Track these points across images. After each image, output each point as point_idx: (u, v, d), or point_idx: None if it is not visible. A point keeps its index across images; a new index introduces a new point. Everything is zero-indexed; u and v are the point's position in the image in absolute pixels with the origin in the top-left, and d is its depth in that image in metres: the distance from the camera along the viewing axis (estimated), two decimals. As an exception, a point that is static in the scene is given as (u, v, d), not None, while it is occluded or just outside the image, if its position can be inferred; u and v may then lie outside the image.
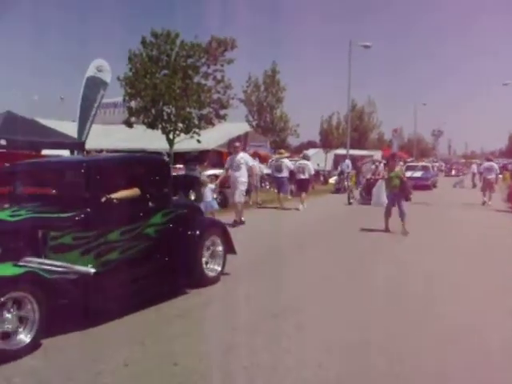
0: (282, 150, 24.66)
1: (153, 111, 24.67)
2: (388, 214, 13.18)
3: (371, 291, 7.39)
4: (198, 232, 7.44)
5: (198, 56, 24.48)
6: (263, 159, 29.66)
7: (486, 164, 23.42)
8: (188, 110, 24.68)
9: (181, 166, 21.78)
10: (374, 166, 26.25)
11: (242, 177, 14.40)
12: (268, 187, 26.64)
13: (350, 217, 17.82)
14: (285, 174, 19.27)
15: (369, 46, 34.64)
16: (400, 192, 12.93)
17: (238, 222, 14.19)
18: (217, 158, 31.99)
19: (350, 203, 21.18)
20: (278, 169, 19.44)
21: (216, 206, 14.50)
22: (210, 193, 14.27)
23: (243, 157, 14.74)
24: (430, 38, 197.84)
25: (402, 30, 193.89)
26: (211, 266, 7.67)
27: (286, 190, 19.60)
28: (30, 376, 4.59)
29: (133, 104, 25.47)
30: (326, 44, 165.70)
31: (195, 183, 17.98)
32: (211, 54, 24.44)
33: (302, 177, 19.38)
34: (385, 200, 13.19)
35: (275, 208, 18.70)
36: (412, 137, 79.58)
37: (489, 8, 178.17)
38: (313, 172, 20.61)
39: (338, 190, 24.93)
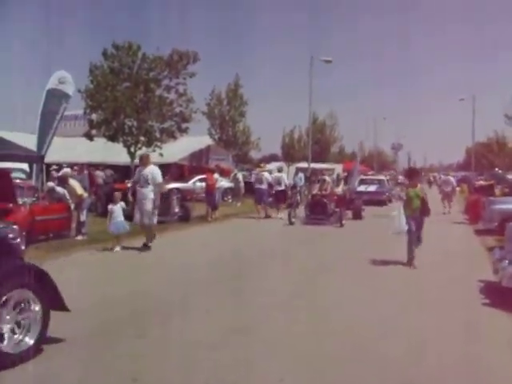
0: (263, 165, 26.53)
1: (114, 124, 24.45)
2: (413, 241, 10.54)
3: None
4: None
5: (159, 69, 24.40)
6: (225, 173, 29.61)
7: (444, 178, 27.77)
8: (150, 123, 24.57)
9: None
10: (322, 180, 21.26)
11: (150, 194, 12.26)
12: (231, 200, 26.61)
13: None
14: (264, 185, 20.53)
15: (330, 61, 35.01)
16: (421, 215, 10.77)
17: (146, 247, 12.46)
18: (179, 171, 31.78)
19: (291, 223, 18.05)
20: (259, 181, 20.74)
21: (127, 226, 12.52)
22: (120, 211, 12.31)
23: (152, 172, 12.48)
24: (389, 53, 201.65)
25: (362, 45, 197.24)
26: (17, 338, 5.11)
27: (266, 201, 20.46)
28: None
29: (94, 117, 25.18)
30: (288, 58, 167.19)
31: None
32: (173, 66, 24.39)
33: (279, 188, 20.91)
34: (405, 226, 10.80)
35: (252, 218, 19.61)
36: (372, 150, 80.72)
37: (446, 25, 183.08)
38: (287, 182, 22.36)
39: (290, 204, 20.41)
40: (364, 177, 35.41)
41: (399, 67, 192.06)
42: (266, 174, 21.42)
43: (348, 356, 5.42)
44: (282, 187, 20.93)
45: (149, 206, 12.24)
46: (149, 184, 12.24)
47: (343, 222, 18.01)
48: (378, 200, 28.06)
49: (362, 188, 29.19)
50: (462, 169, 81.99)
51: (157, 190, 12.35)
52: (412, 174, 11.92)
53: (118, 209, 12.30)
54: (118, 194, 12.61)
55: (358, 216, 20.52)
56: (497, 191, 22.59)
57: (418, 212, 10.64)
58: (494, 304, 7.08)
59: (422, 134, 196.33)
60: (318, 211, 18.46)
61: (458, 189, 34.24)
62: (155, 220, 12.61)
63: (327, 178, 21.15)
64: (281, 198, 20.98)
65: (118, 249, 12.14)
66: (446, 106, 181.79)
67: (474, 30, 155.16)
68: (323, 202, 18.62)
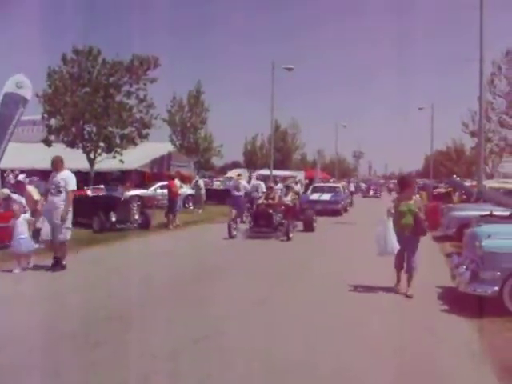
0: (240, 173, 28.67)
1: (73, 130, 24.06)
2: (399, 264, 8.89)
3: None
4: None
5: (119, 74, 24.15)
6: (186, 179, 29.45)
7: None
8: (109, 129, 24.28)
9: (101, 186, 21.23)
10: (269, 188, 19.79)
11: (62, 204, 10.49)
12: (192, 207, 26.45)
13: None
14: (241, 192, 20.78)
15: (292, 69, 35.15)
16: (413, 235, 8.70)
17: (58, 265, 10.58)
18: (139, 178, 31.47)
19: (231, 236, 15.84)
20: (237, 188, 20.92)
21: (34, 244, 10.64)
22: (25, 226, 10.55)
23: (65, 177, 10.78)
24: (349, 60, 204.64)
25: (323, 53, 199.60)
26: None
27: (243, 209, 19.96)
28: None
29: (52, 122, 24.73)
30: (250, 65, 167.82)
31: (117, 204, 17.56)
32: (133, 72, 24.18)
33: (256, 195, 21.43)
34: (395, 246, 8.67)
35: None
36: (333, 158, 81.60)
37: (407, 36, 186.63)
38: (265, 190, 22.18)
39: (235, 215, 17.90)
40: (317, 184, 34.33)
41: (360, 75, 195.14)
42: (243, 182, 22.26)
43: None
44: (260, 194, 21.07)
45: (59, 217, 10.44)
46: (61, 192, 10.53)
47: (291, 235, 15.97)
48: (332, 209, 26.14)
49: (314, 197, 27.30)
50: (421, 176, 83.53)
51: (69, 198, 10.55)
52: (403, 183, 9.55)
53: (21, 223, 10.54)
54: (17, 207, 10.98)
55: (309, 228, 18.46)
56: (455, 198, 23.04)
57: (409, 231, 8.62)
58: (452, 309, 7.17)
59: (382, 142, 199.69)
60: (263, 223, 16.52)
61: (417, 196, 34.94)
62: (69, 234, 10.80)
63: (276, 186, 20.53)
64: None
65: (17, 271, 10.09)
66: (406, 115, 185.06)
67: (434, 42, 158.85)
68: (268, 212, 16.68)
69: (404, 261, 8.77)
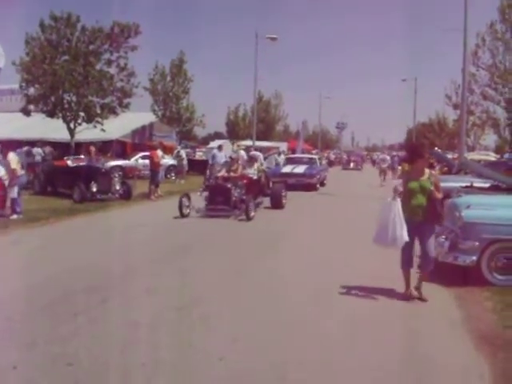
0: (240, 144, 30.33)
1: (52, 99, 23.65)
2: (408, 261, 6.84)
3: None
4: None
5: (99, 42, 23.68)
6: (168, 150, 29.24)
7: (381, 156, 33.56)
8: (90, 98, 23.90)
9: (82, 156, 21.00)
10: (231, 159, 17.82)
11: None
12: (174, 178, 26.34)
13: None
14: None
15: (275, 39, 34.81)
16: (427, 221, 6.69)
17: None
18: (121, 148, 31.15)
19: (183, 215, 13.79)
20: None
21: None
22: None
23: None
24: (333, 31, 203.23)
25: (307, 23, 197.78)
26: None
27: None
28: None
29: (31, 91, 24.27)
30: (234, 35, 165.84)
31: (97, 174, 17.39)
32: (114, 39, 23.72)
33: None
34: (403, 237, 6.54)
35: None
36: (317, 129, 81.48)
37: (390, 5, 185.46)
38: (263, 161, 24.09)
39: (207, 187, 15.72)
40: (291, 156, 32.20)
41: (344, 46, 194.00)
42: (242, 152, 23.55)
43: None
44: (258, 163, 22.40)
45: None
46: None
47: (252, 213, 13.79)
48: (306, 183, 23.67)
49: (287, 169, 24.81)
50: (403, 148, 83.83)
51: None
52: (414, 152, 6.96)
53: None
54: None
55: (277, 204, 16.22)
56: (436, 170, 23.19)
57: (420, 215, 6.66)
58: (431, 278, 7.21)
59: (365, 114, 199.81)
60: (220, 199, 14.28)
61: (399, 168, 35.31)
62: None
63: (239, 155, 19.85)
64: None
65: None
66: (389, 87, 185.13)
67: (417, 11, 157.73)
68: (226, 187, 14.43)
69: (412, 257, 6.85)
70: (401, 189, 6.76)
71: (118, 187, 17.46)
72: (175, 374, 4.48)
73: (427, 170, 6.88)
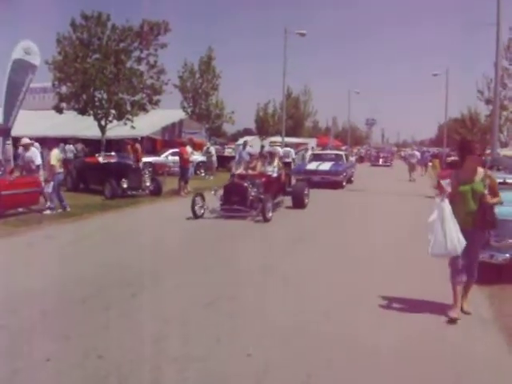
0: (275, 140, 32.43)
1: (84, 97, 23.97)
2: (459, 272, 5.95)
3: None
4: None
5: (130, 40, 23.89)
6: (198, 146, 29.39)
7: (410, 152, 34.09)
8: (120, 95, 24.14)
9: (113, 153, 21.25)
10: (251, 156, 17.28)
11: None
12: (203, 174, 26.47)
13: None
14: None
15: (304, 34, 34.68)
16: (476, 228, 5.93)
17: None
18: (151, 145, 31.42)
19: (196, 215, 12.95)
20: None
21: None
22: None
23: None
24: (365, 26, 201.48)
25: (338, 18, 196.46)
26: None
27: None
28: None
29: (63, 89, 24.64)
30: (263, 31, 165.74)
31: (128, 171, 17.59)
32: (144, 37, 23.90)
33: (287, 160, 25.00)
34: (461, 241, 5.73)
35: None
36: (346, 125, 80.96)
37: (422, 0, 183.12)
38: (294, 156, 26.99)
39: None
40: (318, 151, 31.28)
41: (374, 41, 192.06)
42: (278, 148, 26.25)
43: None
44: (290, 160, 25.55)
45: None
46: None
47: (269, 214, 12.86)
48: (332, 181, 22.63)
49: (312, 166, 23.85)
50: (434, 145, 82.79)
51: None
52: (463, 148, 6.19)
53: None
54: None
55: (298, 204, 15.35)
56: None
57: (471, 223, 5.86)
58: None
59: (395, 109, 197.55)
60: (235, 199, 13.32)
61: (430, 164, 34.93)
62: None
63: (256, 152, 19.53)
64: (288, 167, 22.94)
65: None
66: (420, 82, 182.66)
67: (449, 5, 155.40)
68: (241, 185, 13.53)
69: (460, 267, 5.94)
70: (449, 189, 5.88)
71: (148, 183, 17.64)
72: (205, 368, 4.51)
73: (481, 170, 5.99)
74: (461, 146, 6.31)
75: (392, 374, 4.47)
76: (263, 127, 49.77)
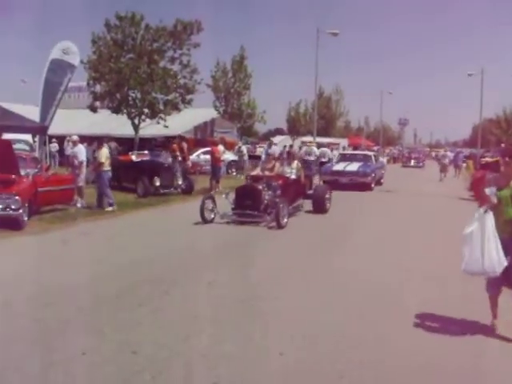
0: (312, 140, 32.41)
1: (118, 96, 24.29)
2: (496, 282, 5.39)
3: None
4: None
5: (163, 40, 24.11)
6: (229, 145, 29.50)
7: (442, 153, 34.49)
8: (153, 94, 24.39)
9: (146, 151, 21.50)
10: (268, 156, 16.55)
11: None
12: (235, 173, 26.57)
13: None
14: (313, 157, 24.91)
15: (336, 34, 34.50)
16: None
17: None
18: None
19: (205, 220, 11.93)
20: (309, 153, 25.18)
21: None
22: None
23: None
24: (397, 26, 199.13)
25: (370, 19, 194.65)
26: None
27: (314, 172, 21.83)
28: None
29: (97, 88, 25.02)
30: (295, 30, 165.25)
31: (161, 169, 17.77)
32: (177, 37, 24.10)
33: (323, 160, 25.86)
34: (501, 261, 5.15)
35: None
36: (378, 125, 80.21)
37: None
38: (332, 156, 27.05)
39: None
40: (344, 152, 30.91)
41: (406, 40, 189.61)
42: (315, 148, 26.40)
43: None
44: (326, 159, 26.23)
45: None
46: None
47: (284, 220, 11.72)
48: (360, 183, 21.72)
49: (339, 167, 22.98)
50: (468, 145, 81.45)
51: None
52: (505, 153, 5.89)
53: None
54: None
55: (319, 208, 14.13)
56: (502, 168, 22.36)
57: (509, 231, 5.31)
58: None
59: (428, 109, 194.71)
60: (248, 203, 12.21)
61: (463, 165, 34.39)
62: None
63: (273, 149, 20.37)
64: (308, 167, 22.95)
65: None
66: (454, 82, 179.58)
67: (483, 4, 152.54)
68: (254, 188, 12.47)
69: (499, 284, 5.38)
70: (495, 200, 5.27)
71: (180, 182, 17.80)
72: (236, 366, 4.55)
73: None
74: (504, 155, 5.65)
75: (424, 375, 4.43)
76: (294, 127, 49.79)
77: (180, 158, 19.59)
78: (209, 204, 12.13)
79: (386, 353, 4.85)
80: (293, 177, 14.05)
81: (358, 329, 5.47)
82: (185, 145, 21.54)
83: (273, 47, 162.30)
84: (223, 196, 12.69)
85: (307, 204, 14.35)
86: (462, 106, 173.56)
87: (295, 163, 14.87)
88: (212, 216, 12.14)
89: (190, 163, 20.22)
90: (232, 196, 12.58)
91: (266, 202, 12.19)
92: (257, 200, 12.16)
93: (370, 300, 6.44)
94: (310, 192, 14.73)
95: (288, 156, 17.75)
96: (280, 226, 11.49)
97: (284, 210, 11.80)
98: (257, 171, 14.36)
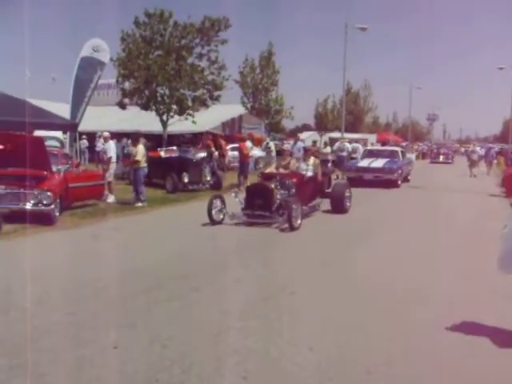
0: (345, 137, 32.49)
1: (146, 92, 24.46)
2: None
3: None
4: None
5: (191, 36, 24.18)
6: (257, 142, 29.48)
7: (472, 148, 34.15)
8: (181, 91, 24.48)
9: (174, 147, 21.62)
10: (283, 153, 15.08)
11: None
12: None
13: None
14: (345, 153, 25.93)
15: (365, 29, 34.18)
16: None
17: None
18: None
19: (213, 221, 11.28)
20: (341, 149, 26.15)
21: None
22: None
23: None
24: (426, 20, 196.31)
25: (398, 12, 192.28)
26: None
27: (344, 166, 23.40)
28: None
29: (126, 85, 25.23)
30: (322, 26, 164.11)
31: (189, 165, 17.88)
32: (205, 34, 24.13)
33: (354, 155, 26.15)
34: None
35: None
36: (407, 121, 79.33)
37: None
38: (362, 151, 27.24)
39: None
40: (370, 148, 30.29)
41: (435, 35, 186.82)
42: (347, 144, 27.41)
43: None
44: (357, 155, 26.01)
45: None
46: None
47: (298, 221, 10.90)
48: (386, 179, 20.85)
49: (364, 163, 22.24)
50: (499, 141, 79.99)
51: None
52: None
53: None
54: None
55: (338, 208, 13.27)
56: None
57: None
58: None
59: (458, 105, 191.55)
60: (258, 203, 11.48)
61: (494, 162, 33.74)
62: None
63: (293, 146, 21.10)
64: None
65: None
66: (485, 76, 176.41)
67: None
68: (266, 187, 11.71)
69: None
70: None
71: (208, 178, 17.88)
72: (265, 361, 4.56)
73: None
74: None
75: (451, 375, 4.39)
76: (322, 123, 49.48)
77: (216, 155, 19.78)
78: (217, 204, 11.43)
79: (414, 351, 4.81)
80: (309, 174, 13.11)
81: (385, 326, 5.44)
82: (223, 142, 21.58)
83: (300, 42, 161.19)
84: (232, 195, 11.92)
85: (325, 203, 13.49)
86: (493, 101, 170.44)
87: (312, 159, 13.71)
88: (221, 217, 11.44)
89: (228, 159, 20.69)
90: (242, 195, 12.06)
91: (278, 201, 11.41)
92: (268, 200, 11.39)
93: (398, 300, 6.38)
94: (329, 191, 13.75)
95: (305, 152, 16.67)
96: (292, 228, 10.70)
97: (297, 210, 10.97)
98: (271, 168, 13.73)
